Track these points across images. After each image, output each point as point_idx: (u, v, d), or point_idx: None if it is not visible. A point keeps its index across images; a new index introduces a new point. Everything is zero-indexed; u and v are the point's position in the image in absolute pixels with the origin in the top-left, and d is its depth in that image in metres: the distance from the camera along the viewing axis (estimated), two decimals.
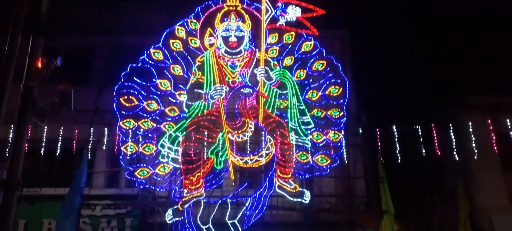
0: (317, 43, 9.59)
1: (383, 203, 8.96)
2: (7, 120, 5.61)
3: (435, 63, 11.74)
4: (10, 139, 5.95)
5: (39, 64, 5.91)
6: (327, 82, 9.30)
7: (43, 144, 9.01)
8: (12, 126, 5.87)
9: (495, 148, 9.76)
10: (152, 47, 9.44)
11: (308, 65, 9.42)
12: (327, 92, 9.26)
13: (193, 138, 8.73)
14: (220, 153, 8.74)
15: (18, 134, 5.66)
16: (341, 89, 9.25)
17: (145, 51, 9.39)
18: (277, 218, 9.49)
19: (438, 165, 11.57)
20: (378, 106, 11.01)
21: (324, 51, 9.57)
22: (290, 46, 9.58)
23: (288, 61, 9.50)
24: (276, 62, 9.44)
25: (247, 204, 8.87)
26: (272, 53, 9.56)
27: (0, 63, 5.67)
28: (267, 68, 9.20)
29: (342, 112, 9.16)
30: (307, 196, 8.76)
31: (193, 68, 9.41)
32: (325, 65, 9.40)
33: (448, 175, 11.15)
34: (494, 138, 9.72)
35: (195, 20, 9.67)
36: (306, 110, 9.13)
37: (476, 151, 9.55)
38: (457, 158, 9.61)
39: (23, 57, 5.96)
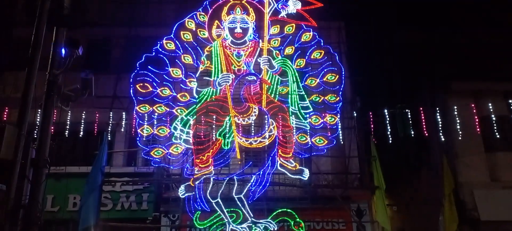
0: (316, 33, 9.52)
1: (375, 180, 8.99)
2: (35, 104, 5.64)
3: (423, 52, 11.63)
4: (37, 122, 5.99)
5: (63, 54, 5.90)
6: (325, 70, 9.25)
7: (68, 127, 9.08)
8: (40, 110, 5.90)
9: (478, 129, 9.74)
10: (164, 38, 9.42)
11: (307, 54, 9.36)
12: (324, 79, 9.21)
13: (203, 121, 8.77)
14: (227, 135, 8.77)
15: (44, 117, 5.71)
16: (337, 76, 9.20)
17: (158, 42, 9.37)
18: (279, 193, 9.55)
19: (425, 145, 11.58)
20: (371, 92, 10.96)
21: (322, 41, 9.50)
22: (290, 36, 9.52)
23: (289, 50, 9.45)
24: (278, 52, 9.38)
25: (252, 181, 8.92)
26: (274, 43, 9.50)
27: (27, 53, 5.68)
28: (269, 57, 9.17)
29: (338, 98, 9.13)
30: (306, 174, 8.80)
31: (202, 57, 9.38)
32: (323, 54, 9.34)
33: (434, 154, 11.16)
34: (477, 120, 9.68)
35: (203, 13, 9.61)
36: (305, 96, 9.13)
37: (460, 132, 9.55)
38: (443, 139, 9.60)
39: (48, 47, 5.97)
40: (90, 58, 10.27)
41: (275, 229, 8.80)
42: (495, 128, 9.54)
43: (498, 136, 9.57)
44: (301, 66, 9.30)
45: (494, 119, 9.61)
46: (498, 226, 9.71)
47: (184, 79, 9.21)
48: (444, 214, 9.35)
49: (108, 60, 11.27)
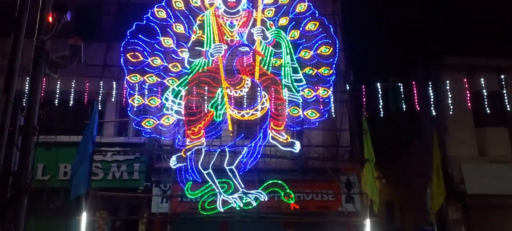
0: (311, 4, 9.39)
1: (365, 153, 9.08)
2: (22, 72, 5.56)
3: (418, 26, 11.56)
4: (26, 90, 5.91)
5: (50, 19, 5.77)
6: (319, 42, 9.17)
7: (57, 96, 8.97)
8: (28, 78, 5.81)
9: (469, 104, 9.80)
10: (155, 6, 9.24)
11: (302, 25, 9.25)
12: (318, 51, 9.15)
13: (195, 92, 8.73)
14: (219, 107, 8.78)
15: (32, 83, 5.63)
16: (331, 49, 9.14)
17: (149, 10, 9.19)
18: (270, 165, 9.65)
19: (417, 119, 11.69)
20: (365, 65, 10.95)
21: (317, 12, 9.38)
22: (285, 7, 9.39)
23: (283, 21, 9.33)
24: (272, 22, 9.26)
25: (243, 153, 8.99)
26: (268, 13, 9.36)
27: (13, 18, 5.55)
28: (263, 27, 9.07)
29: (331, 71, 9.10)
30: (297, 146, 8.87)
31: (194, 26, 9.24)
32: (317, 26, 9.24)
33: (425, 129, 11.28)
34: (468, 95, 9.74)
35: None
36: (298, 68, 9.09)
37: (451, 107, 9.60)
38: (434, 113, 9.67)
39: (35, 12, 5.83)
40: (79, 25, 10.07)
41: (266, 199, 8.96)
42: (486, 103, 9.62)
43: (488, 111, 9.65)
44: (295, 37, 9.21)
45: (485, 94, 9.68)
46: (483, 199, 9.96)
47: (175, 49, 9.10)
48: (432, 187, 9.55)
49: (98, 28, 11.05)
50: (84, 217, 8.25)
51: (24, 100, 5.76)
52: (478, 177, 10.12)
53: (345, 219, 9.69)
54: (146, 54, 8.96)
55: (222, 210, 8.79)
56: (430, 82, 9.83)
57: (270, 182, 9.12)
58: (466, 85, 9.66)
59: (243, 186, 8.85)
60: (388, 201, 14.35)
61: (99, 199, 9.19)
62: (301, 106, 8.90)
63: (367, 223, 8.67)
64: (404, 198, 13.12)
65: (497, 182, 9.92)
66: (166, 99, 8.85)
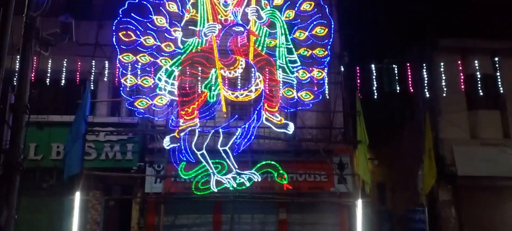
0: None
1: (358, 135, 9.15)
2: (12, 51, 5.49)
3: (413, 8, 11.52)
4: (17, 69, 5.86)
5: None
6: (314, 23, 9.10)
7: (49, 75, 8.90)
8: (18, 56, 5.75)
9: (462, 87, 9.86)
10: None
11: (297, 5, 9.15)
12: (313, 32, 9.07)
13: (188, 73, 8.68)
14: (213, 88, 8.75)
15: (23, 61, 5.58)
16: (326, 30, 9.06)
17: None
18: (263, 146, 9.69)
19: (410, 101, 11.76)
20: (359, 47, 10.93)
21: None
22: None
23: (278, 1, 9.22)
24: (266, 2, 9.16)
25: (237, 134, 9.00)
26: None
27: None
28: (258, 7, 8.97)
29: (326, 52, 9.06)
30: (291, 128, 8.91)
31: (188, 5, 9.13)
32: (313, 6, 9.15)
33: (418, 111, 11.35)
34: (462, 77, 9.79)
35: None
36: (293, 49, 9.03)
37: (445, 89, 9.65)
38: (428, 95, 9.72)
39: None
40: (70, 3, 9.91)
41: (259, 180, 9.04)
42: (479, 85, 9.69)
43: (481, 94, 9.73)
44: (290, 18, 9.13)
45: (479, 76, 9.74)
46: (474, 181, 10.11)
47: (168, 28, 8.98)
48: (423, 169, 9.67)
49: (90, 6, 10.86)
50: (77, 196, 8.27)
51: (15, 79, 5.72)
52: (469, 159, 10.24)
53: (337, 199, 9.81)
54: (138, 33, 8.84)
55: (215, 190, 8.86)
56: (424, 64, 9.84)
57: (264, 162, 9.18)
58: (460, 68, 9.70)
59: (236, 167, 8.90)
60: (380, 182, 14.54)
61: (92, 179, 9.23)
62: (295, 88, 8.88)
63: (359, 203, 8.79)
64: (396, 179, 13.28)
65: (487, 164, 10.05)
66: (159, 79, 8.79)
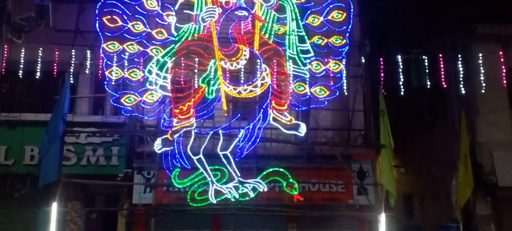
0: None
1: (382, 137, 9.06)
2: None
3: None
4: None
5: None
6: (330, 6, 9.00)
7: (22, 66, 8.89)
8: None
9: (504, 81, 9.73)
10: None
11: None
12: (329, 17, 8.97)
13: (183, 65, 8.63)
14: (212, 82, 8.69)
15: None
16: (344, 14, 8.97)
17: None
18: (270, 150, 9.63)
19: (442, 98, 11.64)
20: (383, 35, 10.82)
21: None
22: None
23: None
24: None
25: (239, 136, 8.95)
26: None
27: None
28: None
29: (344, 40, 8.96)
30: (303, 129, 8.81)
31: None
32: None
33: (452, 109, 11.24)
34: (504, 70, 9.66)
35: None
36: (305, 37, 8.95)
37: (483, 84, 9.53)
38: (463, 91, 9.60)
39: None
40: None
41: (265, 190, 8.96)
42: None
43: None
44: (303, 0, 9.07)
45: None
46: None
47: (160, 12, 8.93)
48: (458, 178, 9.57)
49: None
50: (54, 208, 8.22)
51: None
52: (511, 166, 10.07)
53: (356, 213, 9.74)
54: (125, 18, 8.78)
55: (214, 201, 8.81)
56: (459, 55, 9.72)
57: (271, 170, 9.12)
58: (502, 59, 9.59)
59: (239, 175, 8.85)
60: (407, 193, 14.47)
61: (71, 188, 9.25)
62: (308, 82, 8.80)
63: (382, 218, 8.69)
64: (425, 189, 13.20)
65: None
66: (150, 72, 8.74)
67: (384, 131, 9.03)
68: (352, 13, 9.08)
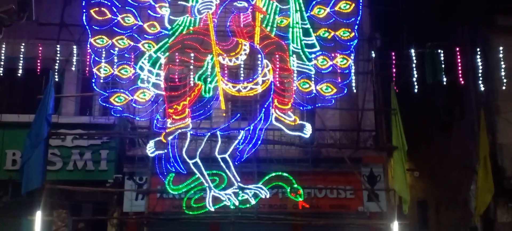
0: None
1: (394, 139, 9.11)
2: None
3: None
4: None
5: None
6: None
7: (2, 63, 8.96)
8: None
9: None
10: None
11: None
12: (336, 8, 9.07)
13: (177, 60, 8.71)
14: (208, 79, 8.75)
15: None
16: (353, 5, 9.08)
17: None
18: (273, 153, 9.70)
19: (460, 96, 11.69)
20: (395, 27, 10.87)
21: None
22: None
23: None
24: None
25: (239, 138, 9.02)
26: None
27: None
28: None
29: (353, 33, 9.05)
30: (308, 130, 8.87)
31: None
32: None
33: (470, 108, 11.28)
34: None
35: None
36: (311, 30, 9.04)
37: (504, 81, 9.59)
38: (482, 88, 9.66)
39: None
40: None
41: (267, 196, 9.03)
42: None
43: None
44: None
45: None
46: None
47: (152, 4, 9.02)
48: (477, 182, 9.61)
49: None
50: (38, 217, 8.30)
51: None
52: None
53: (366, 221, 9.81)
54: (115, 10, 8.89)
55: (212, 209, 8.87)
56: (478, 49, 9.79)
57: (273, 174, 9.19)
58: None
59: (239, 180, 8.91)
60: (421, 199, 14.48)
61: (57, 195, 9.26)
62: (313, 79, 8.88)
63: (395, 226, 8.76)
64: (441, 195, 13.22)
65: None
66: (141, 68, 8.82)
67: (396, 131, 9.08)
68: (361, 4, 9.18)
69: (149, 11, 9.06)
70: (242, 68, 8.81)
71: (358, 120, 10.15)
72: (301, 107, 9.24)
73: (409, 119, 9.90)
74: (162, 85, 8.78)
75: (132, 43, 8.89)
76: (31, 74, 9.13)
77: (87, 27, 8.85)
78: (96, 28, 8.84)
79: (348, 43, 9.07)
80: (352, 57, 9.06)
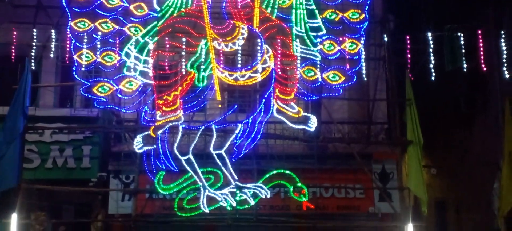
0: None
1: (409, 132, 9.15)
2: None
3: None
4: None
5: None
6: None
7: None
8: None
9: None
10: None
11: None
12: None
13: (167, 46, 8.72)
14: (202, 67, 8.76)
15: None
16: None
17: None
18: (274, 148, 9.71)
19: (482, 84, 11.68)
20: (410, 8, 10.84)
21: None
22: None
23: None
24: None
25: (237, 132, 9.03)
26: None
27: None
28: None
29: (363, 15, 9.07)
30: (313, 123, 8.89)
31: None
32: None
33: (494, 97, 11.28)
34: None
35: None
36: (316, 11, 9.04)
37: None
38: (507, 75, 9.65)
39: None
40: None
41: (268, 196, 9.05)
42: None
43: None
44: None
45: None
46: None
47: None
48: (501, 180, 9.63)
49: None
50: (13, 219, 8.31)
51: None
52: None
53: (378, 223, 9.85)
54: None
55: (207, 210, 8.89)
56: (502, 33, 9.77)
57: (275, 172, 9.18)
58: None
59: (236, 178, 8.93)
60: (439, 199, 14.47)
61: (34, 195, 9.29)
62: (319, 66, 8.88)
63: (409, 229, 8.78)
64: (462, 195, 13.23)
65: None
66: (127, 55, 8.83)
67: (411, 124, 9.11)
68: None
69: None
70: (239, 55, 8.81)
71: (369, 111, 10.18)
72: (305, 98, 9.28)
73: (426, 110, 9.89)
74: (150, 74, 8.79)
75: (117, 27, 8.89)
76: (5, 62, 9.20)
77: (66, 9, 8.86)
78: (76, 10, 8.85)
79: (358, 26, 9.08)
80: (362, 42, 9.07)
